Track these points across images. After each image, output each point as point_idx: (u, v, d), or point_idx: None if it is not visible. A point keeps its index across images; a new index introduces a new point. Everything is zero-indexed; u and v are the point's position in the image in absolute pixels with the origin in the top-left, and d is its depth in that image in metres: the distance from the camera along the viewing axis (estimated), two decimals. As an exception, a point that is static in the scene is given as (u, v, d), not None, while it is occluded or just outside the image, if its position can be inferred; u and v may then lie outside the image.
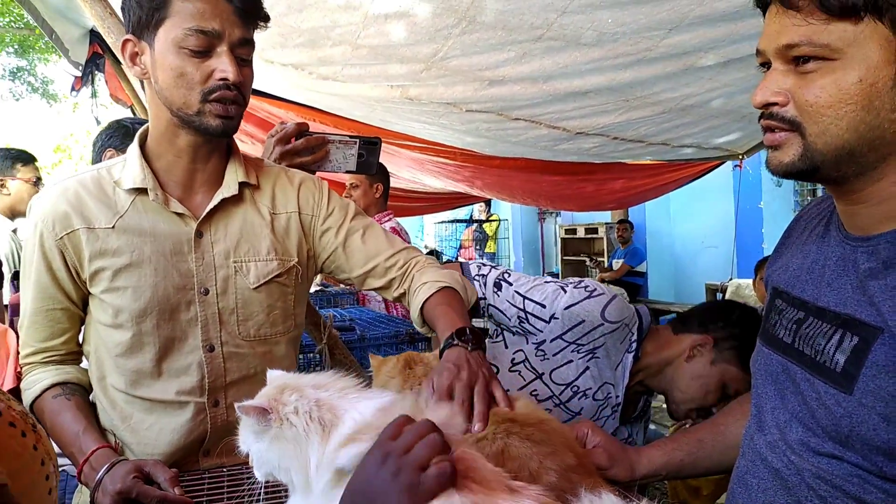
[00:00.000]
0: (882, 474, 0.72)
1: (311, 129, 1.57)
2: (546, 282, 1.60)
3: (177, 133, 1.21)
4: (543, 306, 1.53)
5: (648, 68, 2.64)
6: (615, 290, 1.71)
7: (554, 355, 1.54)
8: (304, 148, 1.53)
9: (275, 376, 0.90)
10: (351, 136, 1.60)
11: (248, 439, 0.82)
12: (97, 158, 1.94)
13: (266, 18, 1.20)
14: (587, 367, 1.54)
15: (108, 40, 1.51)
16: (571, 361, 1.54)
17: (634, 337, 1.56)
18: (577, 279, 1.61)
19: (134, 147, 1.24)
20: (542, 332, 1.53)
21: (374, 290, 1.41)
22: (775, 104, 0.76)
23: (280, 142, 1.53)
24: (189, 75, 1.11)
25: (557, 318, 1.52)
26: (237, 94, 1.15)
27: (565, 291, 1.54)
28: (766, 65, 0.79)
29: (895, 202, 0.74)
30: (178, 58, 1.10)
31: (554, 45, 2.44)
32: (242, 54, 1.16)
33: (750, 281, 4.68)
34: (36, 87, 14.28)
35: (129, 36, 1.15)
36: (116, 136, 1.93)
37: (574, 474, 0.96)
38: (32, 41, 12.37)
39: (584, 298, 1.52)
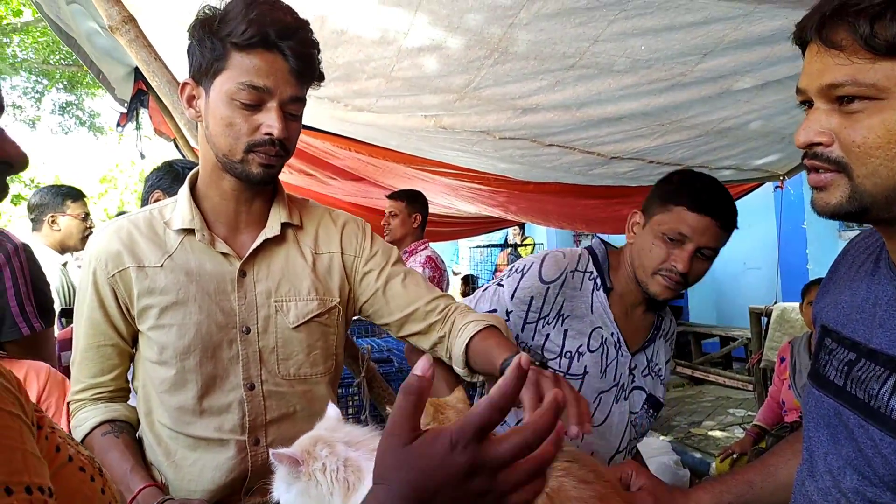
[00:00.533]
0: None
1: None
2: (484, 288, 1.61)
3: (222, 176, 1.25)
4: (495, 310, 1.53)
5: (683, 93, 2.61)
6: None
7: (533, 340, 1.53)
8: None
9: (331, 416, 0.91)
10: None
11: (280, 487, 0.83)
12: (146, 196, 2.03)
13: (321, 78, 1.24)
14: (566, 330, 1.52)
15: (153, 83, 1.57)
16: (549, 334, 1.52)
17: (594, 274, 1.56)
18: (507, 268, 1.62)
19: (185, 189, 1.29)
20: (511, 330, 1.52)
21: (412, 335, 1.39)
22: (819, 144, 0.74)
23: None
24: (237, 126, 1.15)
25: (512, 311, 1.53)
26: (279, 149, 1.19)
27: (502, 285, 1.56)
28: (806, 103, 0.76)
29: None
30: (229, 108, 1.15)
31: (587, 72, 2.44)
32: (292, 110, 1.19)
33: (796, 305, 4.55)
34: (83, 121, 14.88)
35: (188, 80, 1.21)
36: (166, 179, 2.02)
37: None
38: (80, 77, 12.91)
39: (520, 279, 1.53)
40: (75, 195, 3.33)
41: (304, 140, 3.58)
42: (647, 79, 2.48)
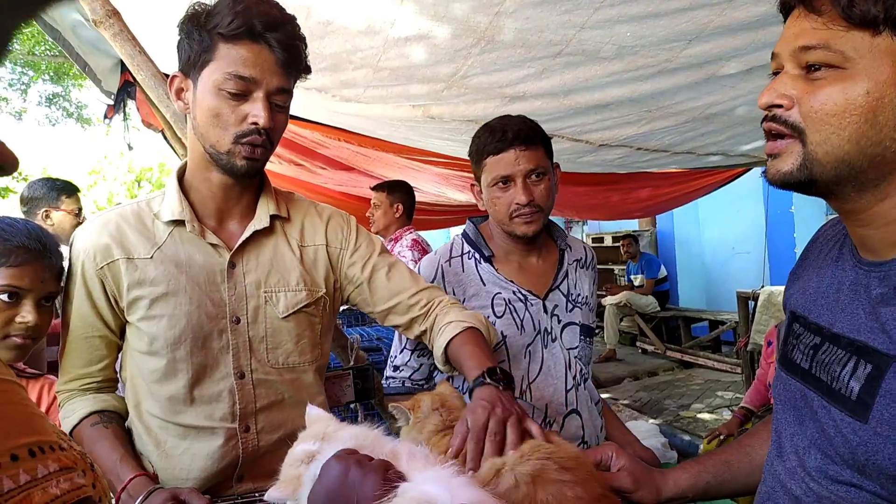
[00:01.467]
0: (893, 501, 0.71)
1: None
2: None
3: (210, 168, 1.27)
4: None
5: (670, 79, 2.63)
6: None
7: None
8: None
9: (313, 418, 0.92)
10: (343, 369, 1.65)
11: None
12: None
13: (307, 70, 1.25)
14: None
15: (138, 77, 1.57)
16: None
17: (472, 252, 1.64)
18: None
19: (173, 181, 1.30)
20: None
21: (396, 327, 1.44)
22: (780, 106, 0.76)
23: None
24: (224, 116, 1.17)
25: None
26: (266, 139, 1.20)
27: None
28: (778, 73, 0.78)
29: None
30: (217, 99, 1.16)
31: (573, 60, 2.45)
32: (278, 101, 1.21)
33: (783, 288, 4.59)
34: (71, 112, 14.72)
35: (177, 72, 1.22)
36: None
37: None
38: (67, 68, 12.76)
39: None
40: (70, 190, 3.31)
41: (293, 130, 3.57)
42: (634, 65, 2.49)
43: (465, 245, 1.67)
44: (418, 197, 5.38)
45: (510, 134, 1.50)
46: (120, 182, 17.58)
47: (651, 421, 4.90)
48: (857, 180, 0.73)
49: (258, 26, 1.14)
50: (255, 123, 1.17)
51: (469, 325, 1.31)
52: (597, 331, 1.67)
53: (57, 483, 0.54)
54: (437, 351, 1.33)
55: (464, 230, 1.72)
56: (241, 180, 1.29)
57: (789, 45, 0.75)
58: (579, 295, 1.69)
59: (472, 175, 1.64)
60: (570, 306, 1.66)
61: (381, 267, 1.41)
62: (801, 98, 0.73)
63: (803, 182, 0.76)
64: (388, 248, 3.46)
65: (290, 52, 1.18)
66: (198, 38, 1.15)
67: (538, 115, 3.06)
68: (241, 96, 1.16)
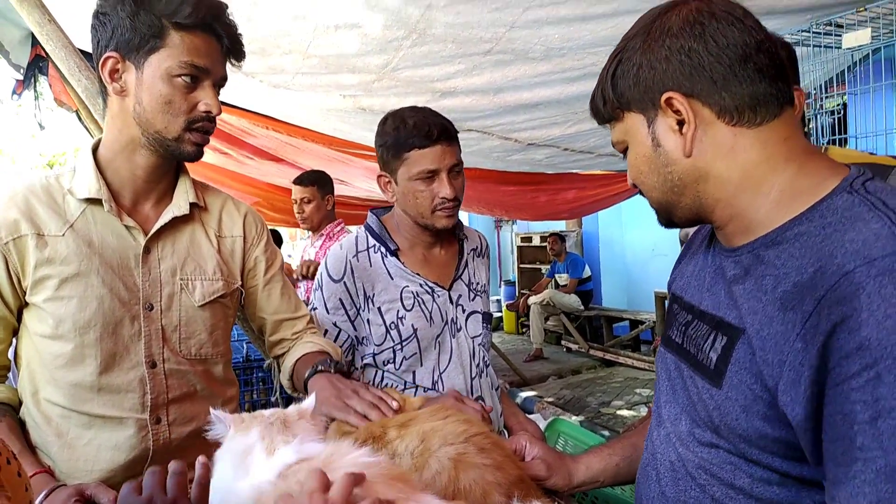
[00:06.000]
0: (747, 458, 0.81)
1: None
2: (312, 299, 1.67)
3: (137, 151, 1.23)
4: (326, 331, 1.61)
5: (594, 82, 2.70)
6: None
7: (368, 332, 1.61)
8: None
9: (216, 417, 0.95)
10: None
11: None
12: None
13: (242, 58, 1.26)
14: (379, 308, 1.61)
15: (47, 48, 1.48)
16: (369, 319, 1.60)
17: (378, 245, 1.65)
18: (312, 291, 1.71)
19: (88, 157, 1.24)
20: (348, 339, 1.62)
21: (261, 337, 1.53)
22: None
23: None
24: (176, 104, 1.17)
25: (336, 321, 1.61)
26: (213, 125, 1.24)
27: (315, 308, 1.63)
28: None
29: (741, 220, 0.85)
30: (169, 86, 1.16)
31: (503, 58, 2.49)
32: (220, 89, 1.24)
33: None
34: (-24, 90, 13.74)
35: (113, 53, 1.16)
36: None
37: (516, 489, 0.99)
38: (-28, 41, 11.91)
39: (322, 292, 1.62)
40: None
41: (219, 117, 3.46)
42: (561, 67, 2.56)
43: (370, 238, 1.66)
44: (347, 191, 5.34)
45: (436, 129, 1.51)
46: (32, 166, 16.56)
47: (574, 418, 5.05)
48: (681, 208, 0.90)
49: (209, 16, 1.16)
50: (209, 111, 1.20)
51: (320, 347, 1.42)
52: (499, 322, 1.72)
53: None
54: (286, 366, 1.43)
55: (366, 223, 1.71)
56: (170, 164, 1.28)
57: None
58: (479, 283, 1.74)
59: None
60: (472, 295, 1.70)
61: (279, 281, 1.47)
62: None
63: (665, 222, 0.95)
64: (319, 244, 3.39)
65: (234, 43, 1.22)
66: (146, 21, 1.13)
67: (469, 112, 3.11)
68: (192, 85, 1.18)
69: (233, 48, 1.22)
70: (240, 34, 1.24)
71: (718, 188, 0.84)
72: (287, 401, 2.28)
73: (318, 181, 3.39)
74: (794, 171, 0.81)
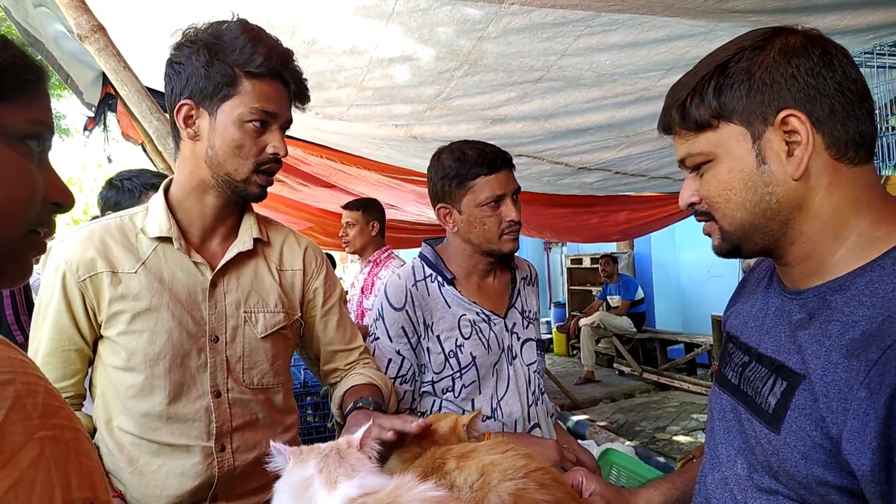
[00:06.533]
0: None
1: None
2: (371, 350, 1.65)
3: (207, 192, 1.30)
4: (390, 360, 1.62)
5: (647, 106, 2.69)
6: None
7: (428, 360, 1.62)
8: None
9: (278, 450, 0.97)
10: None
11: None
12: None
13: (307, 101, 1.33)
14: (438, 336, 1.62)
15: (122, 92, 1.57)
16: (429, 347, 1.61)
17: (434, 275, 1.66)
18: (371, 320, 1.71)
19: (160, 198, 1.31)
20: (410, 369, 1.62)
21: (316, 366, 1.56)
22: (693, 204, 0.92)
23: None
24: (247, 148, 1.24)
25: (400, 349, 1.61)
26: (279, 167, 1.30)
27: (378, 337, 1.64)
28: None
29: (814, 261, 0.83)
30: (240, 131, 1.23)
31: (554, 85, 2.50)
32: (285, 130, 1.30)
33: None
34: (48, 123, 14.48)
35: (187, 101, 1.23)
36: (111, 196, 2.07)
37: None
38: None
39: (383, 322, 1.62)
40: None
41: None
42: (612, 92, 2.55)
43: (426, 268, 1.68)
44: (397, 215, 5.41)
45: (499, 158, 1.58)
46: (97, 193, 17.34)
47: (627, 443, 4.93)
48: (764, 234, 0.86)
49: (279, 65, 1.23)
50: (276, 154, 1.26)
51: (370, 380, 1.44)
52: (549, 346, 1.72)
53: None
54: (336, 396, 1.46)
55: (420, 253, 1.74)
56: (237, 203, 1.35)
57: (678, 159, 0.94)
58: (531, 311, 1.76)
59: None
60: (525, 323, 1.72)
61: (336, 314, 1.50)
62: (700, 191, 0.90)
63: (730, 250, 0.91)
64: (367, 270, 3.44)
65: (300, 87, 1.29)
66: (220, 71, 1.20)
67: (519, 138, 3.12)
68: (262, 129, 1.24)
69: (299, 92, 1.29)
70: (305, 79, 1.30)
71: (808, 222, 0.82)
72: (342, 426, 2.31)
73: (363, 206, 3.45)
74: (873, 217, 0.79)
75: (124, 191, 2.14)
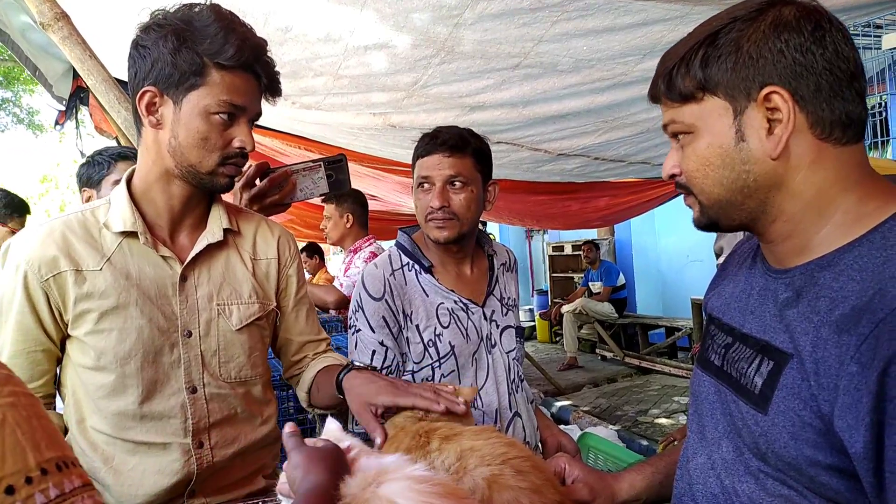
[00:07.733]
0: (794, 487, 0.78)
1: (271, 165, 1.59)
2: (352, 342, 1.64)
3: (172, 181, 1.25)
4: (374, 351, 1.59)
5: (625, 91, 2.69)
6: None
7: (409, 349, 1.60)
8: (269, 187, 1.58)
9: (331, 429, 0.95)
10: (314, 161, 1.63)
11: None
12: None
13: (278, 95, 1.28)
14: (417, 325, 1.59)
15: (88, 82, 1.53)
16: (409, 337, 1.59)
17: (411, 263, 1.65)
18: (351, 312, 1.68)
19: (123, 191, 1.25)
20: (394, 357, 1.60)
21: (282, 356, 1.52)
22: (675, 175, 0.91)
23: (245, 187, 1.58)
24: (212, 140, 1.19)
25: (383, 340, 1.58)
26: (246, 160, 1.26)
27: (359, 329, 1.60)
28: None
29: (798, 239, 0.82)
30: (206, 123, 1.17)
31: (532, 72, 2.49)
32: (253, 123, 1.26)
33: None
34: (21, 118, 14.18)
35: (150, 87, 1.18)
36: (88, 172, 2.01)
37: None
38: (17, 72, 12.29)
39: (364, 313, 1.59)
40: (22, 210, 3.24)
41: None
42: (590, 78, 2.55)
43: (403, 256, 1.66)
44: (379, 206, 5.38)
45: (439, 139, 1.55)
46: (73, 190, 17.04)
47: (610, 427, 4.98)
48: (742, 211, 0.85)
49: (251, 57, 1.17)
50: (242, 148, 1.21)
51: (342, 362, 1.41)
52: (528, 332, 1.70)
53: (83, 499, 0.54)
54: (306, 378, 1.45)
55: (397, 241, 1.71)
56: (205, 193, 1.30)
57: (662, 125, 0.93)
58: (509, 298, 1.74)
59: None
60: (504, 310, 1.70)
61: (306, 304, 1.50)
62: (681, 164, 0.89)
63: (708, 224, 0.90)
64: (347, 260, 3.41)
65: (272, 81, 1.24)
66: (188, 59, 1.14)
67: (498, 125, 3.11)
68: (229, 122, 1.19)
69: (270, 86, 1.24)
70: (277, 72, 1.25)
71: (788, 200, 0.81)
72: (322, 419, 2.29)
73: (337, 199, 3.42)
74: (860, 194, 0.78)
75: (94, 164, 2.09)
